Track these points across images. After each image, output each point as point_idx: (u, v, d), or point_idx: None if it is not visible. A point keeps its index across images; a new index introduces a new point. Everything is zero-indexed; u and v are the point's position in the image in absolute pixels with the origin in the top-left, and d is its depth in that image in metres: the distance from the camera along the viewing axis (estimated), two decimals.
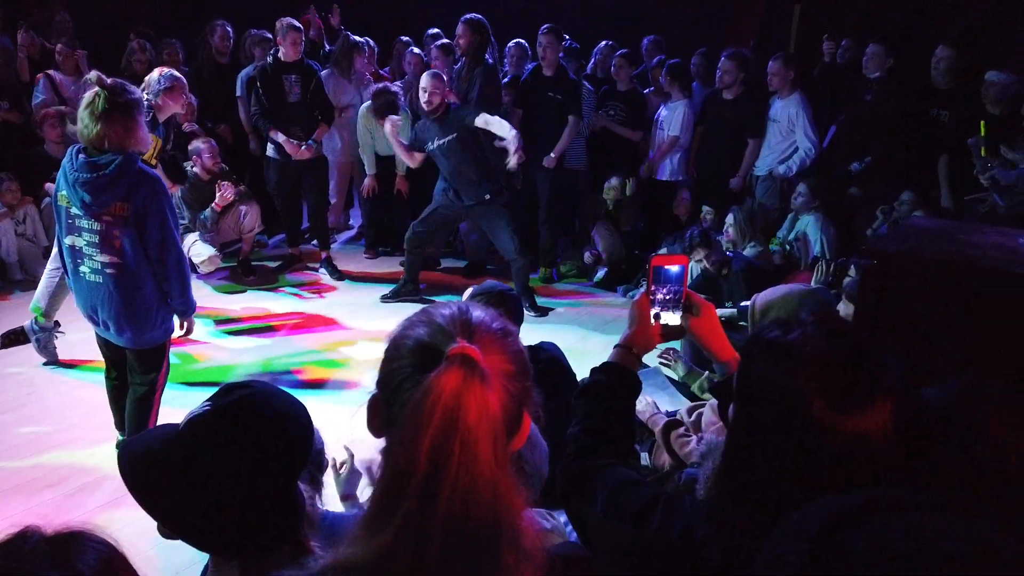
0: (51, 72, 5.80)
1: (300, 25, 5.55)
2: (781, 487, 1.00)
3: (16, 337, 4.42)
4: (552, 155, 5.62)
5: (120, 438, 3.32)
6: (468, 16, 5.59)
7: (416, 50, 6.44)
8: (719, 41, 6.69)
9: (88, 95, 2.78)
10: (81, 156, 2.78)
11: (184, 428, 1.20)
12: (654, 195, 6.15)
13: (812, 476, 0.98)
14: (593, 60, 6.68)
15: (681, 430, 2.49)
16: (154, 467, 1.18)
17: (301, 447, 1.23)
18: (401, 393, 0.90)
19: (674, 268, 1.42)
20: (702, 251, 4.73)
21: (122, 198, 2.78)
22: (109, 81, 2.81)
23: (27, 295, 4.63)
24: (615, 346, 1.45)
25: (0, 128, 5.70)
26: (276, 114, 5.42)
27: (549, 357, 2.71)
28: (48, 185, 5.29)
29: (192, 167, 5.46)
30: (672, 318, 1.43)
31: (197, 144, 5.49)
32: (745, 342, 1.14)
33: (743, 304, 2.94)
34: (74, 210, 2.83)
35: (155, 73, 4.05)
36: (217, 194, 5.35)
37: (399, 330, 0.98)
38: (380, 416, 0.96)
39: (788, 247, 5.16)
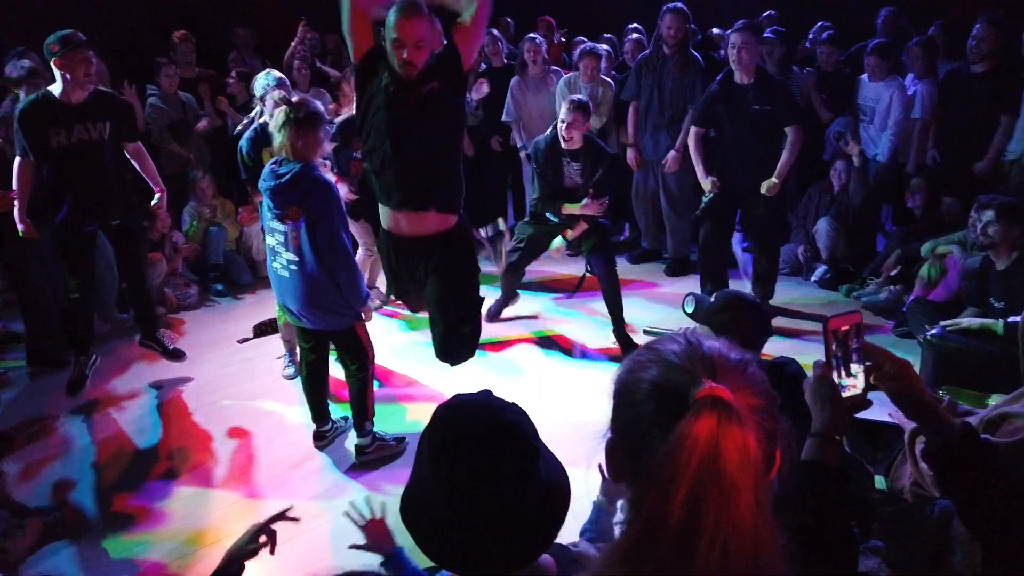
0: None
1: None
2: None
3: (267, 328, 4.95)
4: (775, 180, 4.54)
5: (314, 427, 3.69)
6: (675, 4, 5.33)
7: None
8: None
9: (277, 111, 3.21)
10: (271, 166, 3.20)
11: (431, 459, 1.19)
12: (877, 183, 5.58)
13: None
14: (807, 43, 6.23)
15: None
16: (422, 510, 1.19)
17: (528, 451, 1.20)
18: (648, 441, 0.86)
19: (848, 327, 1.28)
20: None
21: (297, 202, 3.13)
22: (293, 99, 3.23)
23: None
24: (809, 436, 1.28)
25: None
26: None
27: (794, 374, 2.42)
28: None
29: None
30: (855, 382, 1.27)
31: None
32: None
33: (1013, 319, 2.52)
34: (270, 213, 3.25)
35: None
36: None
37: (626, 371, 0.95)
38: (620, 463, 0.93)
39: None
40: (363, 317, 3.40)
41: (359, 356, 3.47)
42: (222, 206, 5.99)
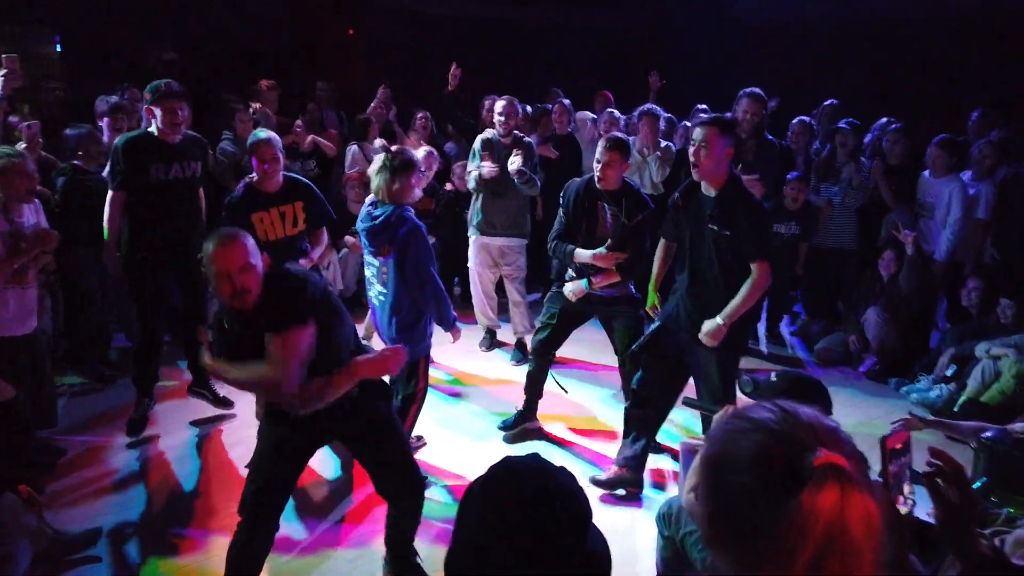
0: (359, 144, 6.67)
1: None
2: None
3: None
4: (719, 321, 3.41)
5: None
6: (752, 89, 5.32)
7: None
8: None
9: (376, 157, 3.60)
10: (368, 207, 3.60)
11: (484, 512, 1.20)
12: (928, 278, 5.53)
13: None
14: (871, 135, 6.29)
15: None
16: (469, 566, 1.20)
17: (580, 517, 1.22)
18: (754, 510, 0.86)
19: (900, 445, 1.30)
20: None
21: (388, 241, 3.52)
22: (393, 148, 3.62)
23: None
24: None
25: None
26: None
27: None
28: (347, 237, 6.05)
29: None
30: (908, 499, 1.29)
31: None
32: None
33: None
34: (366, 249, 3.65)
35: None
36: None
37: (720, 442, 0.95)
38: (718, 530, 0.94)
39: None
40: (453, 341, 3.85)
41: (412, 380, 3.73)
42: None
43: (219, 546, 3.19)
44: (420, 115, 6.85)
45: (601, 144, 4.05)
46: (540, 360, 4.34)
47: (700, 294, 3.51)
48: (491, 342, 5.75)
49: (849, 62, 8.55)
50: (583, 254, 4.08)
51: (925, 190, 5.53)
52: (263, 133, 4.05)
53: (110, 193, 4.10)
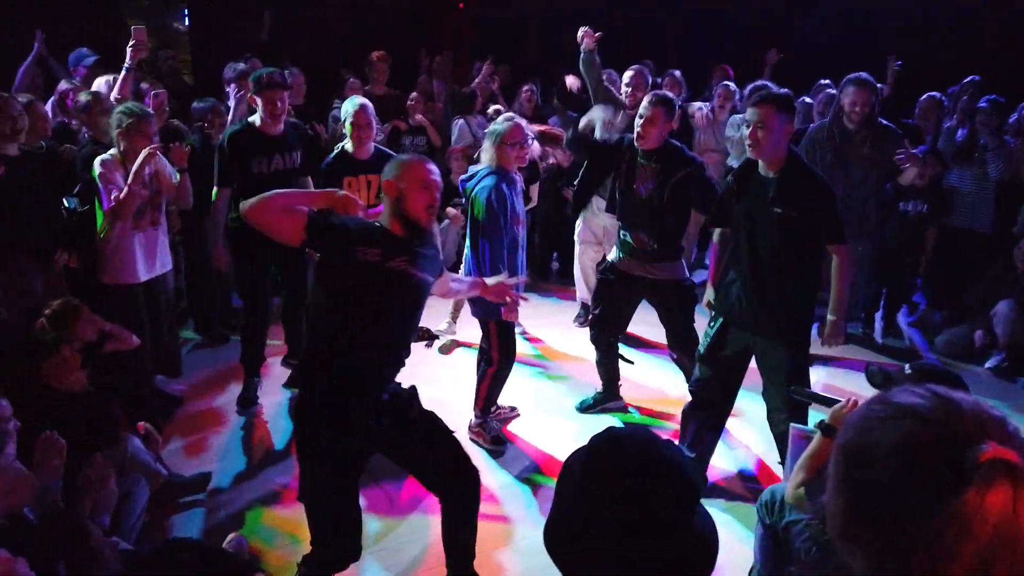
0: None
1: None
2: None
3: (423, 335, 5.20)
4: (832, 317, 3.41)
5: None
6: (859, 75, 4.75)
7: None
8: None
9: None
10: None
11: (587, 481, 1.16)
12: None
13: None
14: (1018, 115, 5.78)
15: None
16: (569, 537, 1.18)
17: (689, 492, 1.16)
18: (902, 504, 0.80)
19: None
20: None
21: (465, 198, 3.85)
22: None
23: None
24: None
25: None
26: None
27: None
28: (449, 209, 6.11)
29: None
30: None
31: None
32: None
33: None
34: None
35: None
36: None
37: (860, 429, 0.87)
38: (853, 524, 0.88)
39: None
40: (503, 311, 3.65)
41: (488, 352, 3.87)
42: None
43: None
44: (526, 88, 6.82)
45: (646, 100, 3.80)
46: (603, 348, 4.21)
47: (764, 284, 3.26)
48: (586, 317, 5.71)
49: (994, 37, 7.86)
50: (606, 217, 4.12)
51: None
52: (358, 99, 4.14)
53: (215, 190, 4.15)
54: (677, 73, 6.44)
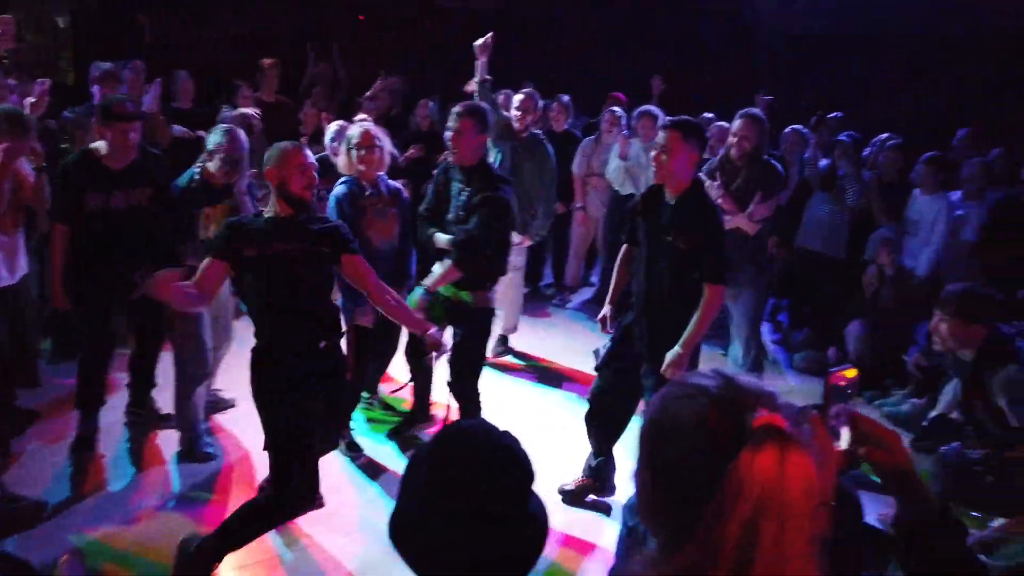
0: None
1: None
2: None
3: None
4: (679, 350, 3.28)
5: None
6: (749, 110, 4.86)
7: None
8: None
9: None
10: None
11: (431, 473, 1.23)
12: (910, 295, 5.51)
13: None
14: (870, 150, 6.30)
15: None
16: (414, 528, 1.23)
17: (524, 478, 1.25)
18: (696, 474, 0.86)
19: (845, 383, 1.23)
20: None
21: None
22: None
23: None
24: None
25: None
26: None
27: None
28: None
29: None
30: (844, 441, 1.21)
31: None
32: None
33: None
34: None
35: None
36: None
37: (660, 410, 0.95)
38: (657, 499, 0.95)
39: None
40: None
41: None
42: None
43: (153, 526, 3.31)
44: (422, 103, 6.89)
45: (454, 111, 3.63)
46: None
47: (654, 311, 3.33)
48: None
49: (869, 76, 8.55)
50: (441, 239, 3.66)
51: (913, 206, 5.53)
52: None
53: (53, 225, 3.71)
54: (565, 98, 6.63)
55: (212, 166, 3.67)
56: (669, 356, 3.25)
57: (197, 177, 3.71)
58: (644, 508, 0.97)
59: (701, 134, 3.34)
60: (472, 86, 5.42)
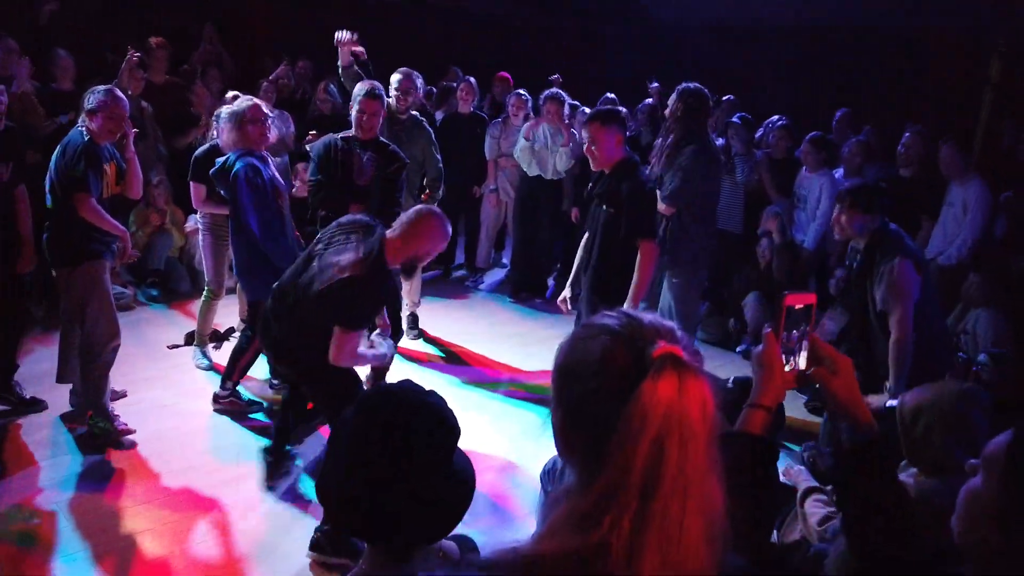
0: None
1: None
2: None
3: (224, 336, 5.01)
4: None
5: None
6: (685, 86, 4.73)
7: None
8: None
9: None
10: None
11: (356, 433, 1.26)
12: (799, 266, 5.90)
13: None
14: (762, 130, 6.65)
15: (820, 496, 2.37)
16: (339, 486, 1.26)
17: (449, 435, 1.29)
18: (603, 409, 0.90)
19: (802, 306, 1.28)
20: None
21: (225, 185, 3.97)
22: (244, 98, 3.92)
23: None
24: (745, 406, 1.29)
25: None
26: None
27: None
28: None
29: None
30: (802, 363, 1.27)
31: None
32: None
33: (890, 402, 2.67)
34: None
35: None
36: None
37: (569, 350, 0.99)
38: (571, 439, 0.98)
39: (957, 338, 4.80)
40: None
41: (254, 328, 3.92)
42: (172, 213, 5.98)
43: None
44: (323, 84, 6.75)
45: (365, 92, 4.24)
46: None
47: (593, 277, 3.61)
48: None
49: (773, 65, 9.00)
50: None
51: (801, 182, 5.91)
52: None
53: None
54: (471, 80, 6.67)
55: (94, 126, 3.63)
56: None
57: (87, 138, 3.63)
58: (561, 446, 1.01)
59: (617, 116, 3.64)
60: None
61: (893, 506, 1.21)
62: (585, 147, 3.58)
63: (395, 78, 5.14)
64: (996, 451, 1.18)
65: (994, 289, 4.83)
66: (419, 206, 3.31)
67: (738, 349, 5.74)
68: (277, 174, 4.03)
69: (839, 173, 5.91)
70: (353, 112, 4.30)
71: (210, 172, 3.93)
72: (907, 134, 5.54)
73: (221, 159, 3.88)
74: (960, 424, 2.01)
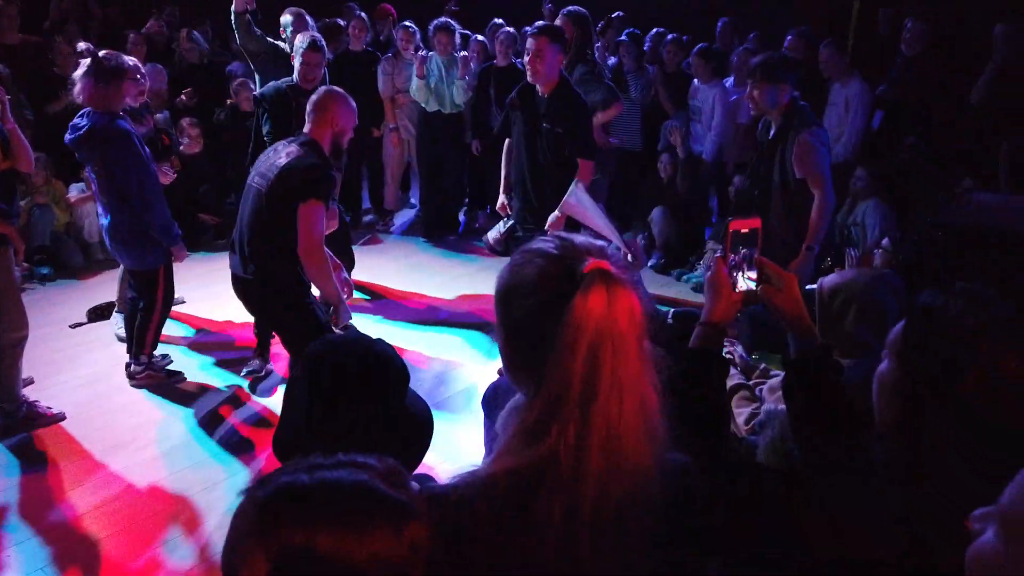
0: None
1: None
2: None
3: (102, 312, 4.72)
4: (558, 214, 3.79)
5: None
6: (570, 9, 4.94)
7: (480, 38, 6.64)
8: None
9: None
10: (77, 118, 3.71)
11: (311, 383, 1.27)
12: (701, 177, 6.13)
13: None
14: (648, 45, 6.72)
15: (744, 394, 2.54)
16: (297, 438, 1.28)
17: (399, 376, 1.33)
18: (542, 328, 0.96)
19: (747, 231, 1.37)
20: None
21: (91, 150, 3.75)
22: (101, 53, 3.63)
23: (111, 273, 4.92)
24: (697, 324, 1.37)
25: None
26: None
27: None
28: None
29: None
30: (749, 283, 1.36)
31: None
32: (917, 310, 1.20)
33: (808, 287, 2.87)
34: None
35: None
36: None
37: (508, 275, 1.05)
38: (515, 361, 1.04)
39: (847, 231, 5.13)
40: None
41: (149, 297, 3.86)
42: (51, 188, 5.59)
43: None
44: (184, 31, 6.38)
45: (308, 44, 4.33)
46: None
47: (535, 184, 3.88)
48: None
49: None
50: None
51: (695, 95, 6.05)
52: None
53: None
54: (362, 14, 6.44)
55: None
56: (551, 218, 3.74)
57: None
58: (506, 366, 1.08)
59: (563, 36, 3.89)
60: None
61: (837, 407, 1.31)
62: (528, 58, 3.69)
63: (286, 19, 4.93)
64: (895, 336, 1.29)
65: (879, 181, 5.15)
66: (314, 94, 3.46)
67: (649, 264, 5.93)
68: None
69: (730, 82, 6.08)
70: (296, 63, 4.40)
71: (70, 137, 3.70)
72: (789, 37, 5.73)
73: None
74: (872, 307, 2.12)
